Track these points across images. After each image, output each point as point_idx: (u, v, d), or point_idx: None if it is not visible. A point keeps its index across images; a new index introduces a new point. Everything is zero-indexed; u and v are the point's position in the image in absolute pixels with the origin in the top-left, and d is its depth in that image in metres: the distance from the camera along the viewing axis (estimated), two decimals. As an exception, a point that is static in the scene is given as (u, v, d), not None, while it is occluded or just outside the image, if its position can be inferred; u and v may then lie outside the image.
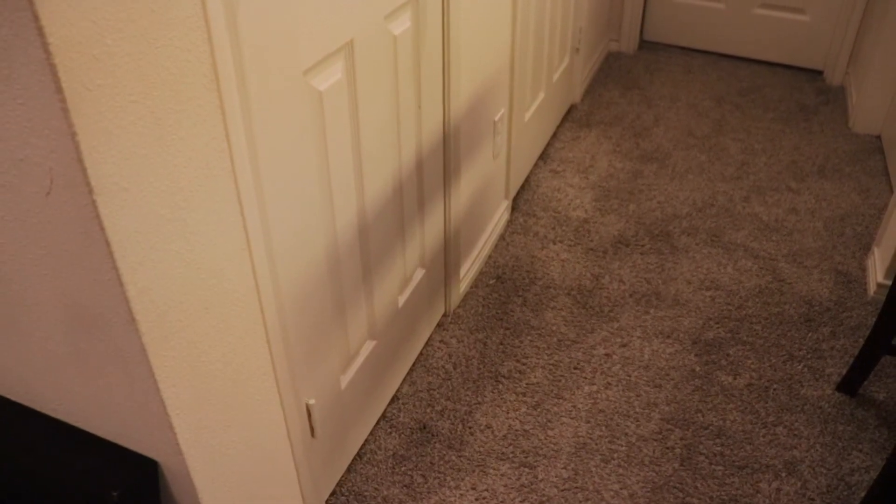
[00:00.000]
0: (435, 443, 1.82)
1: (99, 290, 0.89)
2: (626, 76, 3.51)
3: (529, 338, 2.10)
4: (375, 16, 1.42)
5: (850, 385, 1.93)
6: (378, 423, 1.87)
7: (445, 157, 1.90)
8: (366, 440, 1.83)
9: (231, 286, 1.08)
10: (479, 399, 1.93)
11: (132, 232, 0.86)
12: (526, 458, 1.79)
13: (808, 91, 3.39)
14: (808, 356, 2.05)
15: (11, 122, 0.78)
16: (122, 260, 0.85)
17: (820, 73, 3.54)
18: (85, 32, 0.73)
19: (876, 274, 2.25)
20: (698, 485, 1.73)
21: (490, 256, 2.40)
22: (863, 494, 1.69)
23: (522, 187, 2.72)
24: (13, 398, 1.16)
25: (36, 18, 0.68)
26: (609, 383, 1.97)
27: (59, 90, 0.72)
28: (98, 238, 0.83)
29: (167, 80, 0.85)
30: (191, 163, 0.93)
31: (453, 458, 1.79)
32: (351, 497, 1.71)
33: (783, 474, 1.75)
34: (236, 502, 1.23)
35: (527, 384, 1.97)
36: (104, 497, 1.04)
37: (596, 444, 1.82)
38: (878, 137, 3.03)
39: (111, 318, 0.92)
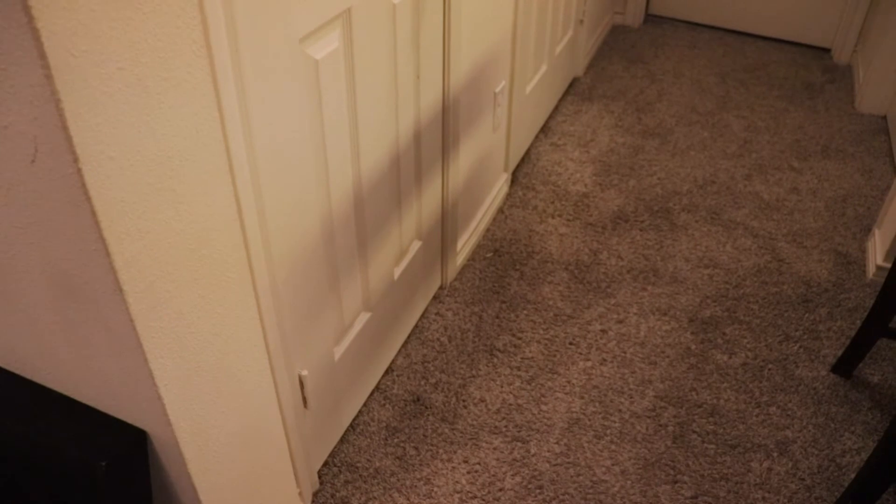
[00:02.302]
0: (428, 415, 1.82)
1: (85, 260, 0.88)
2: (631, 50, 3.47)
3: (525, 312, 2.10)
4: (374, -16, 1.39)
5: (845, 367, 1.92)
6: (372, 394, 1.87)
7: (444, 128, 1.88)
8: (359, 412, 1.83)
9: (221, 257, 1.07)
10: (474, 372, 1.93)
11: (119, 201, 0.85)
12: (519, 432, 1.79)
13: (814, 69, 3.35)
14: (805, 337, 2.04)
15: (-6, 88, 0.77)
16: (108, 229, 0.84)
17: (827, 50, 3.50)
18: (69, -4, 0.71)
19: (875, 256, 2.24)
20: (690, 463, 1.73)
21: (488, 229, 2.38)
22: (853, 476, 1.69)
23: (522, 160, 2.69)
24: (3, 366, 1.16)
25: (18, -19, 0.67)
26: (604, 359, 1.97)
27: (43, 55, 0.71)
28: (84, 207, 0.82)
29: (155, 46, 0.83)
30: (180, 132, 0.91)
31: (446, 430, 1.79)
32: (343, 468, 1.71)
33: (775, 454, 1.75)
34: (226, 472, 1.23)
35: (521, 358, 1.97)
36: (93, 466, 1.03)
37: (589, 420, 1.82)
38: (884, 118, 3.00)
39: (98, 287, 0.91)
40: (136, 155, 0.85)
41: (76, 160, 0.78)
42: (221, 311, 1.11)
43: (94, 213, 0.82)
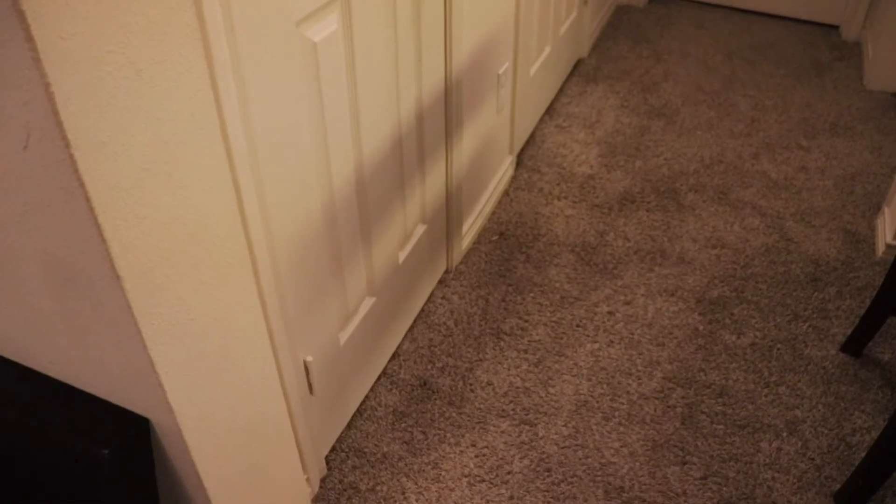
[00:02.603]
0: (435, 399, 1.82)
1: (81, 247, 0.87)
2: (636, 30, 3.44)
3: (532, 294, 2.09)
4: (372, -36, 1.37)
5: (854, 345, 1.91)
6: (378, 379, 1.87)
7: (447, 111, 1.87)
8: (366, 397, 1.83)
9: (221, 242, 1.06)
10: (481, 356, 1.92)
11: (114, 187, 0.84)
12: (526, 415, 1.78)
13: (822, 47, 3.31)
14: (814, 316, 2.02)
15: (-17, 73, 0.75)
16: (103, 215, 0.83)
17: (836, 28, 3.45)
18: (56, -22, 0.70)
19: (885, 234, 2.21)
20: (699, 443, 1.72)
21: (493, 212, 2.37)
22: (863, 455, 1.67)
23: (527, 142, 2.67)
24: (4, 354, 1.15)
25: (2, -38, 0.65)
26: (611, 341, 1.95)
27: (30, 38, 0.70)
28: (78, 193, 0.81)
29: (148, 28, 0.82)
30: (175, 115, 0.90)
31: (454, 414, 1.78)
32: (350, 453, 1.71)
33: (784, 434, 1.74)
34: (230, 459, 1.23)
35: (528, 341, 1.96)
36: (95, 455, 1.03)
37: (597, 402, 1.81)
38: (894, 95, 2.97)
39: (95, 274, 0.90)
40: (130, 140, 0.84)
41: (68, 145, 0.77)
42: (222, 296, 1.10)
43: (88, 200, 0.81)
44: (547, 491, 1.63)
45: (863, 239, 2.27)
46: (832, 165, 2.58)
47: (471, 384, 1.85)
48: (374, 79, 1.48)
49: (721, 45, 3.32)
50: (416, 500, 1.62)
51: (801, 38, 3.38)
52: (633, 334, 1.97)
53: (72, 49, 0.74)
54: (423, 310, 2.05)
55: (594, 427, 1.76)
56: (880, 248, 2.21)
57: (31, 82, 0.73)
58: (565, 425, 1.76)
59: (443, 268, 2.13)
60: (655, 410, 1.79)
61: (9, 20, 0.69)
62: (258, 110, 1.14)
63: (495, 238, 2.27)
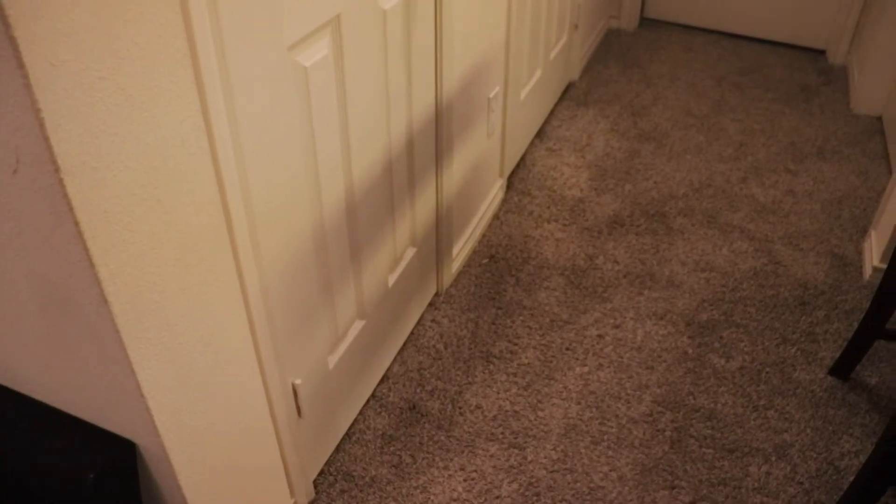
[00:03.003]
0: (424, 423, 1.81)
1: (70, 271, 0.87)
2: (626, 54, 3.47)
3: (522, 318, 2.09)
4: (363, -10, 1.38)
5: (842, 369, 1.91)
6: (367, 402, 1.86)
7: (438, 134, 1.88)
8: (355, 420, 1.82)
9: (210, 266, 1.06)
10: (470, 379, 1.92)
11: (103, 212, 0.84)
12: (515, 438, 1.78)
13: (809, 71, 3.35)
14: (802, 339, 2.03)
15: (-26, 98, 0.76)
16: (92, 241, 0.84)
17: (822, 52, 3.49)
18: (48, 4, 0.71)
19: (872, 257, 2.23)
20: (688, 468, 1.72)
21: (484, 235, 2.38)
22: (851, 479, 1.68)
23: (518, 166, 2.69)
24: (-9, 377, 1.15)
25: (-6, -9, 0.66)
26: (601, 364, 1.96)
27: (21, 65, 0.70)
28: (67, 218, 0.81)
29: (138, 55, 0.83)
30: (165, 141, 0.90)
31: (442, 438, 1.78)
32: (339, 477, 1.70)
33: (773, 458, 1.74)
34: (218, 483, 1.22)
35: (518, 364, 1.96)
36: (81, 479, 1.03)
37: (586, 426, 1.81)
38: (879, 119, 3.00)
39: (83, 299, 0.90)
40: (119, 165, 0.85)
41: (58, 170, 0.77)
42: (210, 320, 1.10)
43: (77, 224, 0.81)
44: (536, 515, 1.63)
45: (850, 262, 2.29)
46: (820, 189, 2.60)
47: (460, 407, 1.85)
48: (364, 103, 1.49)
49: (710, 69, 3.35)
50: (405, 525, 1.61)
51: (788, 62, 3.41)
52: (622, 358, 1.98)
53: (63, 75, 0.74)
54: (412, 333, 2.05)
55: (583, 451, 1.75)
56: (867, 272, 2.23)
57: (21, 108, 0.74)
58: (554, 449, 1.76)
59: (433, 291, 2.14)
60: (644, 434, 1.79)
61: (1, 47, 0.69)
62: (249, 135, 1.15)
63: (485, 261, 2.28)
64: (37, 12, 0.70)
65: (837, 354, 1.99)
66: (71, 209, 0.80)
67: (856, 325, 2.08)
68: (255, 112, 1.15)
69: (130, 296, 0.92)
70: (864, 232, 2.41)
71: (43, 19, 0.70)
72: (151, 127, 0.88)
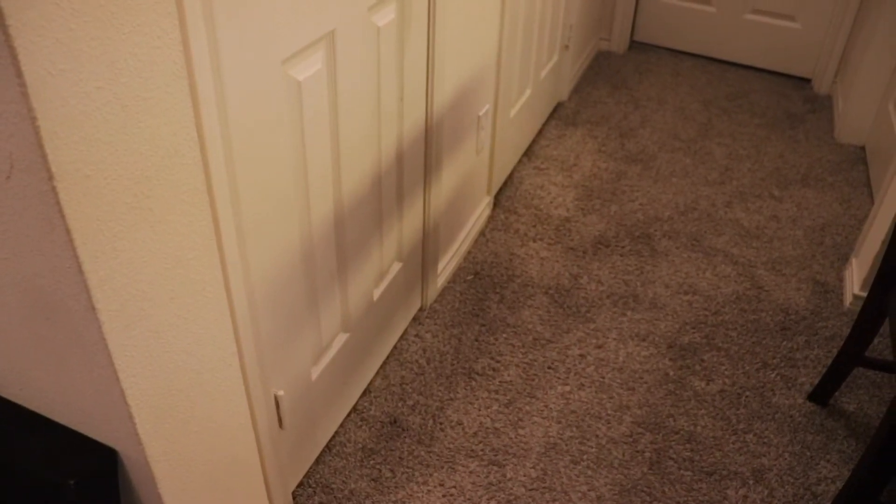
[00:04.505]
0: (405, 437, 1.82)
1: (59, 277, 0.88)
2: (615, 76, 3.51)
3: (505, 335, 2.10)
4: (359, 6, 1.40)
5: (821, 395, 1.93)
6: (349, 415, 1.86)
7: (427, 150, 1.89)
8: (336, 432, 1.82)
9: (198, 276, 1.07)
10: (452, 395, 1.92)
11: (94, 220, 0.85)
12: (495, 456, 1.78)
13: (795, 99, 3.40)
14: (782, 364, 2.05)
15: (-29, 104, 0.76)
16: (82, 247, 0.84)
17: (808, 81, 3.54)
18: (48, 15, 0.71)
19: (853, 285, 2.26)
20: (666, 489, 1.73)
21: (469, 252, 2.39)
22: (828, 505, 1.70)
23: (505, 184, 2.71)
24: (-27, 381, 1.15)
25: (-4, 0, 0.67)
26: (582, 384, 1.97)
27: (20, 73, 0.71)
28: (58, 225, 0.82)
29: (135, 66, 0.84)
30: (158, 151, 0.91)
31: (422, 453, 1.78)
32: (318, 489, 1.70)
33: (751, 482, 1.75)
34: (198, 492, 1.22)
35: (500, 382, 1.97)
36: (61, 485, 1.02)
37: (566, 445, 1.82)
38: (863, 148, 3.04)
39: (71, 305, 0.90)
40: (112, 174, 0.85)
41: (51, 178, 0.78)
42: (197, 330, 1.10)
43: (68, 231, 0.82)
44: (514, 533, 1.63)
45: (831, 289, 2.31)
46: (803, 216, 2.63)
47: (441, 423, 1.85)
48: (356, 117, 1.50)
49: (697, 93, 3.39)
50: (383, 539, 1.61)
51: (774, 89, 3.46)
52: (603, 378, 1.99)
53: (60, 85, 0.75)
54: (395, 347, 2.05)
55: (562, 470, 1.76)
56: (848, 299, 2.25)
57: (18, 115, 0.74)
58: (534, 467, 1.76)
59: (417, 305, 2.14)
60: (624, 455, 1.80)
61: (0, 56, 0.70)
62: (241, 146, 1.16)
63: (470, 277, 2.29)
64: (37, 22, 0.70)
65: (816, 380, 2.01)
66: (63, 216, 0.81)
67: (835, 351, 2.10)
68: (248, 124, 1.16)
69: (119, 304, 0.92)
70: (845, 259, 2.44)
71: (43, 28, 0.71)
72: (145, 137, 0.88)
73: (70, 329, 0.94)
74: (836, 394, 1.97)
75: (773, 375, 2.02)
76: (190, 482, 1.19)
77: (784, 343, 2.12)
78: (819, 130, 3.16)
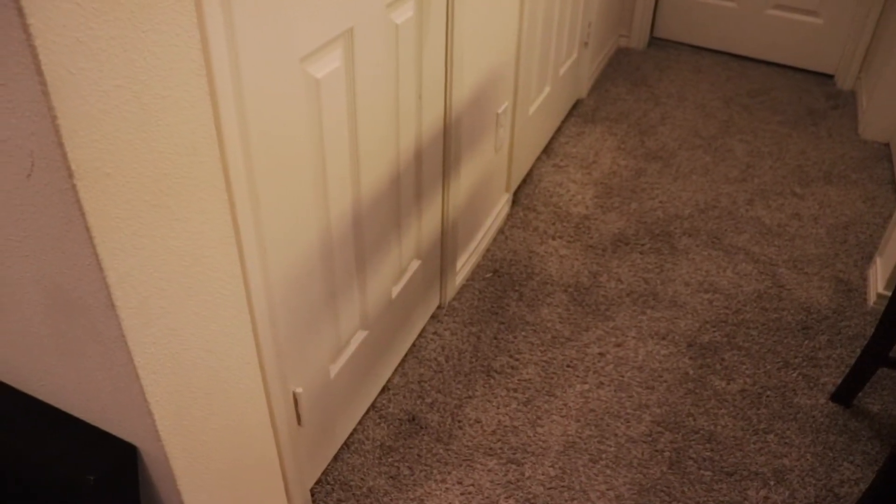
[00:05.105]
0: (423, 435, 1.82)
1: (79, 275, 0.88)
2: (635, 73, 3.49)
3: (524, 333, 2.09)
4: (377, 4, 1.40)
5: (844, 395, 1.91)
6: (367, 412, 1.87)
7: (445, 148, 1.89)
8: (354, 430, 1.82)
9: (216, 274, 1.07)
10: (470, 393, 1.92)
11: (114, 217, 0.85)
12: (514, 454, 1.78)
13: (818, 95, 3.36)
14: (804, 364, 2.03)
15: (-8, 103, 0.77)
16: (102, 245, 0.84)
17: (831, 77, 3.50)
18: (68, 14, 0.72)
19: (877, 284, 2.23)
20: (686, 489, 1.72)
21: (488, 250, 2.38)
22: (850, 506, 1.68)
23: (524, 181, 2.70)
24: (-5, 377, 1.16)
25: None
26: (601, 383, 1.96)
27: (40, 72, 0.71)
28: (78, 223, 0.82)
29: (154, 65, 0.84)
30: (177, 149, 0.91)
31: (441, 451, 1.78)
32: (336, 486, 1.70)
33: (772, 482, 1.74)
34: (216, 488, 1.23)
35: (518, 380, 1.96)
36: (81, 480, 1.03)
37: (585, 444, 1.81)
38: (887, 145, 3.01)
39: (91, 302, 0.91)
40: (131, 171, 0.86)
41: (71, 176, 0.78)
42: (215, 327, 1.11)
43: (88, 229, 0.82)
44: (532, 532, 1.63)
45: (854, 288, 2.29)
46: (826, 213, 2.61)
47: (459, 421, 1.85)
48: (374, 115, 1.50)
49: (718, 90, 3.36)
50: (401, 537, 1.61)
51: (796, 85, 3.42)
52: (623, 376, 1.98)
53: (80, 83, 0.75)
54: (414, 344, 2.05)
55: (581, 469, 1.75)
56: (872, 298, 2.23)
57: (38, 114, 0.75)
58: (552, 466, 1.76)
59: (436, 303, 2.14)
60: (643, 454, 1.79)
61: (21, 55, 0.70)
62: (259, 144, 1.16)
63: (489, 275, 2.29)
64: (57, 22, 0.71)
65: (839, 380, 1.99)
66: (83, 213, 0.81)
67: (859, 351, 2.08)
68: (267, 122, 1.16)
69: (137, 301, 0.92)
70: (869, 258, 2.41)
71: (63, 28, 0.72)
72: (164, 135, 0.89)
73: (90, 326, 0.94)
74: (860, 394, 1.95)
75: (794, 375, 2.00)
76: (209, 479, 1.19)
77: (806, 342, 2.10)
78: (842, 127, 3.12)
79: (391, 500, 1.68)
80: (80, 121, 0.77)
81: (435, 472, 1.74)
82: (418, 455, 1.77)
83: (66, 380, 1.06)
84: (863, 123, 3.06)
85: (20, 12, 0.68)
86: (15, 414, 1.11)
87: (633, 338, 2.09)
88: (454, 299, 2.19)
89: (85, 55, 0.75)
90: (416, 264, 1.92)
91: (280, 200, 1.26)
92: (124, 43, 0.79)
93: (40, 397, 1.13)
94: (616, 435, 1.83)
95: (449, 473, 1.73)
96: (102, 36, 0.76)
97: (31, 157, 0.79)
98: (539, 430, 1.84)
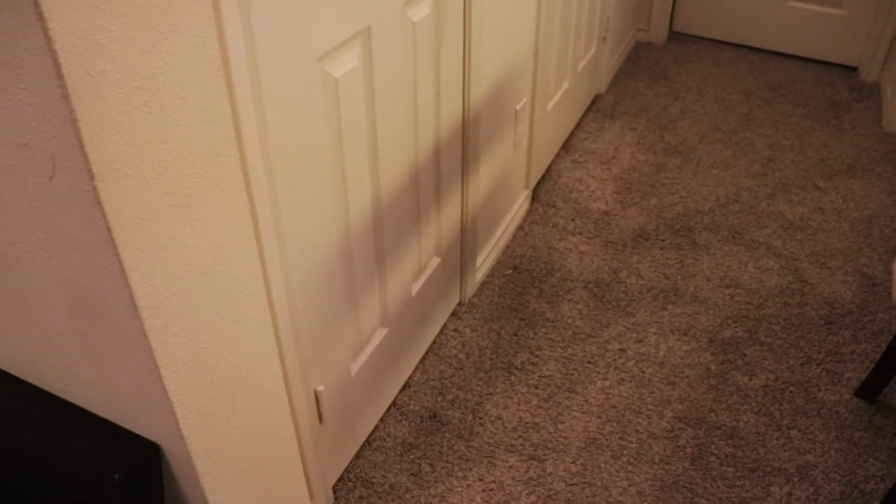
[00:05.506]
0: (444, 432, 1.82)
1: (101, 276, 0.89)
2: (654, 67, 3.46)
3: (544, 330, 2.09)
4: (394, 2, 1.40)
5: (869, 391, 1.89)
6: (388, 410, 1.87)
7: (464, 145, 1.89)
8: (375, 427, 1.83)
9: (237, 273, 1.08)
10: (491, 390, 1.92)
11: (134, 218, 0.86)
12: (535, 451, 1.78)
13: (841, 87, 3.32)
14: (827, 359, 2.01)
15: (14, 107, 0.78)
16: (123, 246, 0.85)
17: (854, 69, 3.46)
18: (87, 17, 0.72)
19: (901, 277, 2.20)
20: (708, 485, 1.71)
21: (508, 246, 2.38)
22: (877, 503, 1.66)
23: (543, 177, 2.69)
24: (21, 376, 1.17)
25: (36, 3, 0.68)
26: (622, 379, 1.95)
27: (60, 76, 0.72)
28: (99, 224, 0.83)
29: (172, 65, 0.84)
30: (196, 149, 0.92)
31: (462, 448, 1.78)
32: (358, 483, 1.71)
33: (795, 479, 1.72)
34: (239, 486, 1.24)
35: (539, 376, 1.96)
36: (105, 478, 1.04)
37: (606, 440, 1.80)
38: (911, 137, 2.97)
39: (113, 303, 0.91)
40: (151, 172, 0.86)
41: (92, 177, 0.79)
42: (236, 326, 1.11)
43: (109, 230, 0.83)
44: (554, 528, 1.63)
45: (879, 282, 2.26)
46: (849, 207, 2.58)
47: (480, 418, 1.85)
48: (392, 113, 1.50)
49: (738, 83, 3.34)
50: (423, 534, 1.62)
51: (819, 78, 3.39)
52: (644, 372, 1.97)
53: (99, 85, 0.76)
54: (434, 342, 2.05)
55: (602, 465, 1.75)
56: (896, 293, 2.20)
57: (59, 117, 0.75)
58: (574, 462, 1.75)
59: (456, 300, 2.14)
60: (665, 450, 1.78)
61: (41, 58, 0.71)
62: (278, 143, 1.17)
63: (509, 272, 2.28)
64: (77, 25, 0.71)
65: (864, 376, 1.97)
66: (104, 214, 0.82)
67: (884, 346, 2.05)
68: (285, 121, 1.17)
69: (159, 301, 0.93)
70: (893, 252, 2.38)
71: (82, 31, 0.72)
72: (183, 135, 0.89)
73: (112, 326, 0.95)
74: (885, 390, 1.93)
75: (818, 370, 1.98)
76: (231, 476, 1.20)
77: (829, 337, 2.08)
78: (866, 120, 3.09)
79: (413, 496, 1.68)
80: (100, 123, 0.78)
81: (456, 468, 1.74)
82: (439, 452, 1.77)
83: (89, 379, 1.07)
84: (887, 116, 3.02)
85: (40, 16, 0.68)
86: (40, 413, 1.13)
87: (654, 333, 2.08)
88: (474, 296, 2.19)
89: (104, 57, 0.75)
90: (435, 261, 1.92)
91: (299, 199, 1.27)
92: (142, 44, 0.80)
93: (65, 397, 1.14)
94: (637, 431, 1.82)
95: (470, 470, 1.74)
96: (121, 38, 0.77)
97: (53, 160, 0.80)
98: (560, 426, 1.83)
